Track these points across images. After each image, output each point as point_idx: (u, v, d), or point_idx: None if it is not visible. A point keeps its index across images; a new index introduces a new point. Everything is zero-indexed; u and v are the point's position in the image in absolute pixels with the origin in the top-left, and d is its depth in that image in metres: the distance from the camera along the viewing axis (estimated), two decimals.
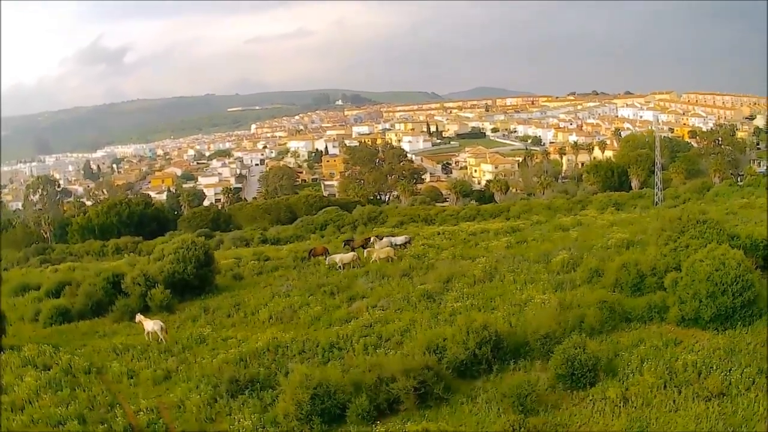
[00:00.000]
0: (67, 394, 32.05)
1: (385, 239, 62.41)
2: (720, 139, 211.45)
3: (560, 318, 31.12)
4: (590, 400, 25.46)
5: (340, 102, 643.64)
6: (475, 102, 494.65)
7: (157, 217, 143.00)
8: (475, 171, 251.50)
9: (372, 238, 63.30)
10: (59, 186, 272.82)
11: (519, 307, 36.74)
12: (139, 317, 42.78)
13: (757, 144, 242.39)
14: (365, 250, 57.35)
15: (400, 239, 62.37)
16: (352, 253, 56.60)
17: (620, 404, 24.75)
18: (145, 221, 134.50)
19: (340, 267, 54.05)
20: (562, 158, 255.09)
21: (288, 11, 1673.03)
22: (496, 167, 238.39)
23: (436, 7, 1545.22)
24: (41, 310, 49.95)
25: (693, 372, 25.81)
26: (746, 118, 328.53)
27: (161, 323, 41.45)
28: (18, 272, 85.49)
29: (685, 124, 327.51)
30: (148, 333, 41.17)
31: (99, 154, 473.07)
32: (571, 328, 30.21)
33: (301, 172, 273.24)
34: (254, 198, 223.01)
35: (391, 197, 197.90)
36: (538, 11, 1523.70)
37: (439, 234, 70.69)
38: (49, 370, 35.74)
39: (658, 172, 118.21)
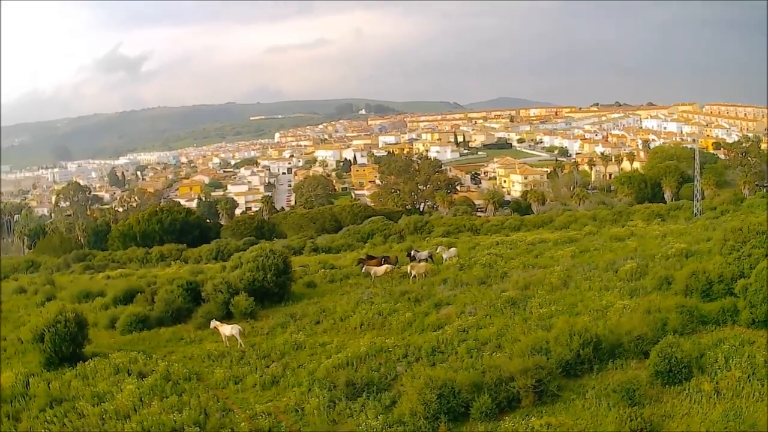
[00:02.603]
0: (175, 400, 32.05)
1: (422, 253, 64.32)
2: (747, 151, 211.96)
3: (647, 321, 32.60)
4: (687, 394, 26.99)
5: (363, 111, 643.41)
6: (498, 112, 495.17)
7: (199, 225, 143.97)
8: (505, 181, 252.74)
9: (415, 253, 64.73)
10: (90, 193, 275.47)
11: (601, 312, 37.84)
12: (214, 323, 43.46)
13: None
14: (408, 266, 58.11)
15: (423, 254, 63.95)
16: (385, 266, 58.00)
17: (714, 396, 26.43)
18: (187, 229, 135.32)
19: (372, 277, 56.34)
20: (591, 169, 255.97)
21: (306, 21, 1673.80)
22: (525, 178, 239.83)
23: (452, 18, 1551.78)
24: (118, 317, 49.78)
25: None
26: None
27: (239, 327, 42.32)
28: (65, 278, 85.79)
29: (708, 135, 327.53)
30: (226, 338, 41.95)
31: (122, 161, 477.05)
32: (656, 331, 31.65)
33: (332, 182, 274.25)
34: (291, 207, 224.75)
35: (425, 207, 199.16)
36: (554, 23, 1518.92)
37: (497, 244, 72.10)
38: (144, 377, 35.77)
39: (698, 184, 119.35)
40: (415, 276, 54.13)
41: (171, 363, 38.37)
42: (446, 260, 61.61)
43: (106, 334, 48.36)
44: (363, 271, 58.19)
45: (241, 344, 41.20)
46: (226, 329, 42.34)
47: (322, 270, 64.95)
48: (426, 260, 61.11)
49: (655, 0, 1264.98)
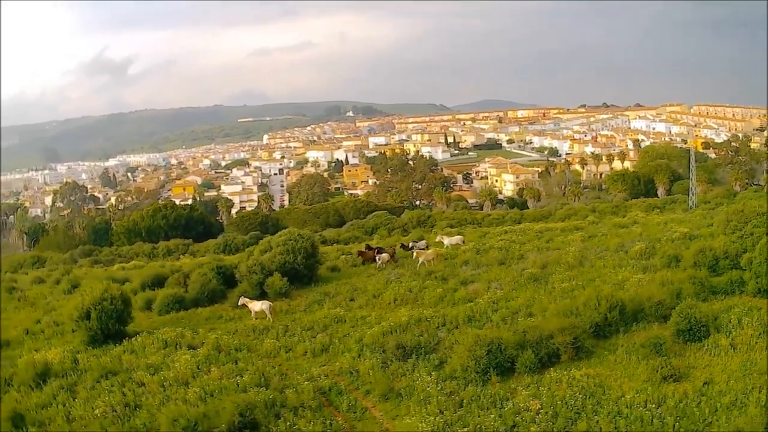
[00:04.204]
0: (232, 367, 33.16)
1: (420, 243, 66.88)
2: (737, 149, 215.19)
3: (663, 291, 35.65)
4: (706, 349, 30.14)
5: (350, 113, 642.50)
6: (486, 114, 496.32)
7: (203, 220, 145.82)
8: (497, 181, 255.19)
9: (413, 244, 67.14)
10: (87, 192, 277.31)
11: (619, 285, 40.34)
12: (242, 300, 45.88)
13: None
14: (414, 252, 60.59)
15: (422, 243, 66.58)
16: (385, 254, 60.51)
17: (731, 350, 29.57)
18: (192, 225, 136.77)
19: (380, 265, 58.67)
20: (583, 168, 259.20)
21: (291, 24, 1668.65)
22: (517, 177, 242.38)
23: (436, 21, 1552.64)
24: (152, 300, 51.12)
25: None
26: (756, 129, 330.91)
27: (269, 303, 44.82)
28: (79, 272, 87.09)
29: (697, 135, 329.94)
30: (255, 313, 44.39)
31: (111, 162, 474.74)
32: (672, 299, 34.66)
33: (327, 180, 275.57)
34: (291, 204, 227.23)
35: (422, 205, 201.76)
36: (540, 24, 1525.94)
37: (506, 232, 74.97)
38: (195, 349, 36.65)
39: (693, 178, 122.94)
40: (423, 263, 56.05)
41: (220, 336, 39.73)
42: (447, 247, 64.25)
43: (143, 315, 49.34)
44: (377, 261, 60.02)
45: (270, 319, 43.43)
46: (256, 305, 44.81)
47: (343, 256, 67.59)
48: (425, 249, 63.45)
49: (641, 0, 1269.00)
